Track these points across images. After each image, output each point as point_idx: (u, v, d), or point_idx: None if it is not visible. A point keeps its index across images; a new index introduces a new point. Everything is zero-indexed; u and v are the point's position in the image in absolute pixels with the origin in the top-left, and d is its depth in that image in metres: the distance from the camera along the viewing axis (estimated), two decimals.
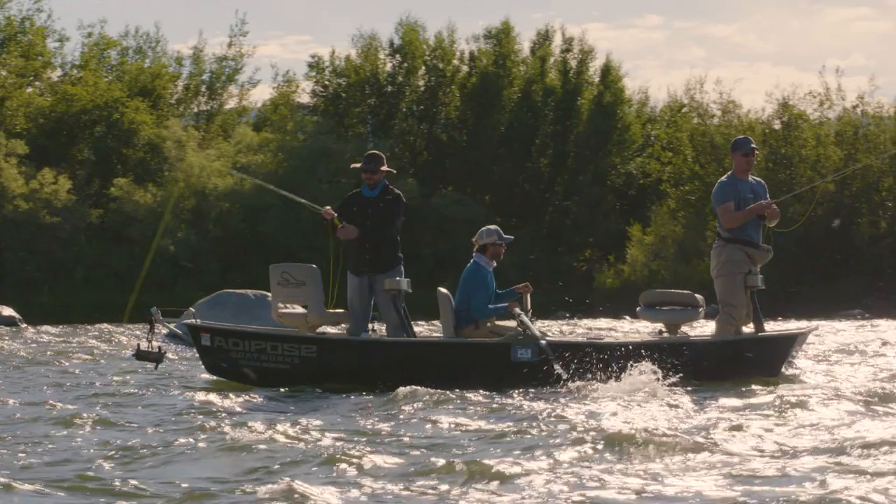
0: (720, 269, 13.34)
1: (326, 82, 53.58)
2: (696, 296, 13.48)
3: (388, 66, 53.66)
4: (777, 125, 46.80)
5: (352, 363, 13.06)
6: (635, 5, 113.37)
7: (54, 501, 6.80)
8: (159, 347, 13.33)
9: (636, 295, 15.35)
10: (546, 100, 52.92)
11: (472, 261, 13.58)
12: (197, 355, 14.22)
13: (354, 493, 6.83)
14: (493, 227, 13.79)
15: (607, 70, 53.98)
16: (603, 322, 31.34)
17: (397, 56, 53.46)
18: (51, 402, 11.25)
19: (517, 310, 12.98)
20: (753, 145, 13.66)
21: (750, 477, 7.05)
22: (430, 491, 6.87)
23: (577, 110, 53.13)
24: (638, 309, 13.72)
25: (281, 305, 13.77)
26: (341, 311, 13.70)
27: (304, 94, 54.27)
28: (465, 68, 53.93)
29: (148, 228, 45.27)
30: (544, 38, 54.65)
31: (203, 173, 47.57)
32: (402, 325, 13.34)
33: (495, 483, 7.00)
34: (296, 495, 6.69)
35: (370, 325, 13.57)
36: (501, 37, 53.42)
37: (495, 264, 13.59)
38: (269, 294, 22.17)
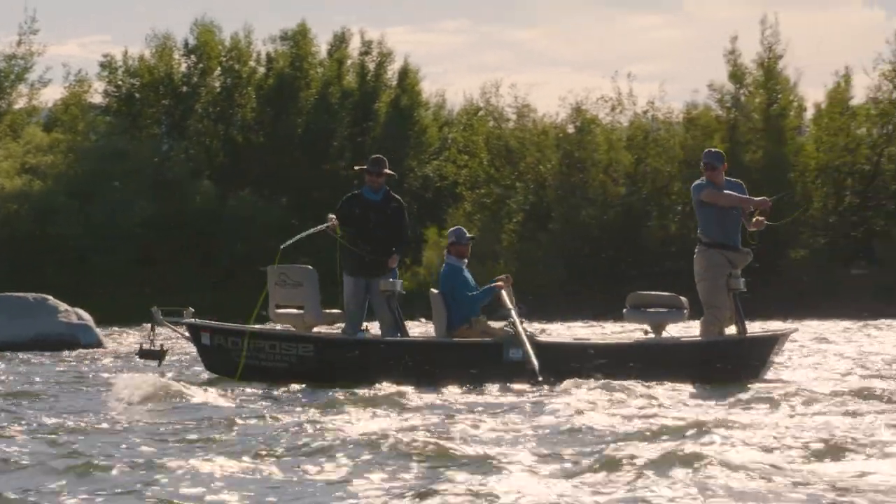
0: (703, 272, 13.65)
1: (119, 82, 52.62)
2: (681, 298, 13.76)
3: (183, 67, 52.96)
4: (571, 129, 47.60)
5: (348, 362, 13.40)
6: (440, 8, 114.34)
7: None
8: (161, 346, 13.75)
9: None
10: (343, 102, 52.85)
11: (444, 264, 14.15)
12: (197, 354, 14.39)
13: (343, 490, 6.93)
14: (453, 228, 14.45)
15: (405, 73, 54.21)
16: None
17: (192, 56, 52.80)
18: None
19: (512, 312, 13.27)
20: (708, 161, 13.70)
21: (729, 480, 7.01)
22: (415, 489, 6.90)
23: (374, 113, 53.21)
24: (624, 311, 13.94)
25: (278, 306, 14.06)
26: (337, 311, 14.12)
27: (96, 95, 53.24)
28: (261, 70, 53.55)
29: None
30: (341, 40, 54.57)
31: None
32: (396, 325, 13.86)
33: (481, 481, 7.03)
34: (287, 494, 6.78)
35: (364, 325, 14.02)
36: (298, 38, 53.19)
37: (465, 261, 14.04)
38: (49, 297, 22.05)
